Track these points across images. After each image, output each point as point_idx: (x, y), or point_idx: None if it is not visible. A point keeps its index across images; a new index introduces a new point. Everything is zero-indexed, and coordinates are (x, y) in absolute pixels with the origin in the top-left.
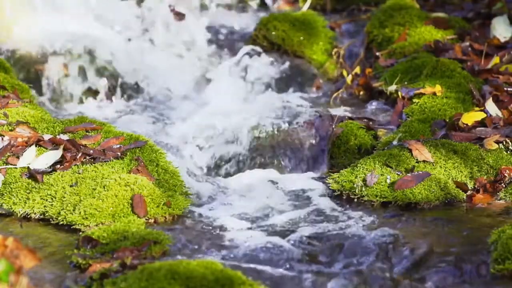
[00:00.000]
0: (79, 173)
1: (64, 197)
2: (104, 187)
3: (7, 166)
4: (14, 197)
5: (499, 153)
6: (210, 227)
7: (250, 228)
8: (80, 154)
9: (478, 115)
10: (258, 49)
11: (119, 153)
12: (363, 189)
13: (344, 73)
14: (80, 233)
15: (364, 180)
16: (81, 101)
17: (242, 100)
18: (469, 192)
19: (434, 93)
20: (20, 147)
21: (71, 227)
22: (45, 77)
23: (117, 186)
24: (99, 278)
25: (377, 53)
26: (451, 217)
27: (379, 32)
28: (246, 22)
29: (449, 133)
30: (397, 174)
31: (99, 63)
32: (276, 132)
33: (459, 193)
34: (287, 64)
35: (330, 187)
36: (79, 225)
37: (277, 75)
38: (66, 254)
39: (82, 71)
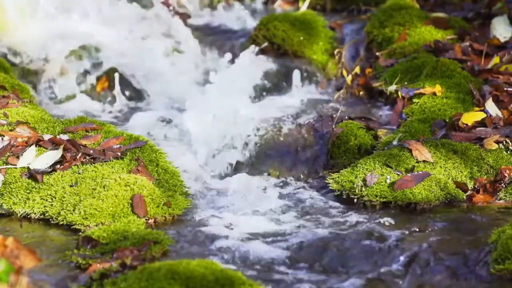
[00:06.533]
0: (79, 173)
1: (64, 197)
2: (104, 187)
3: (7, 166)
4: (14, 197)
5: (499, 153)
6: (211, 227)
7: (249, 229)
8: (80, 154)
9: (478, 115)
10: (258, 49)
11: (119, 153)
12: (363, 189)
13: (344, 73)
14: (80, 233)
15: (364, 180)
16: (81, 101)
17: (241, 100)
18: (469, 192)
19: (434, 93)
20: (20, 147)
21: (71, 227)
22: (46, 77)
23: (117, 186)
24: (99, 278)
25: (377, 53)
26: (451, 217)
27: (379, 32)
28: (246, 21)
29: (449, 133)
30: (397, 174)
31: (100, 63)
32: (276, 132)
33: (459, 193)
34: (287, 64)
35: (330, 187)
36: (79, 225)
37: (276, 75)
38: (66, 254)
39: (83, 72)
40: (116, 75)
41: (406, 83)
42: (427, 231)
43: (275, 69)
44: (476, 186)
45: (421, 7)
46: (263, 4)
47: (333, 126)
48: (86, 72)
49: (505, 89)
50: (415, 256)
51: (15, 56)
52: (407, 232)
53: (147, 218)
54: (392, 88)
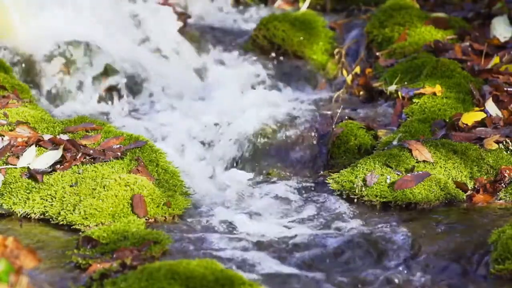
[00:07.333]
0: (79, 173)
1: (64, 197)
2: (104, 187)
3: (7, 166)
4: (14, 197)
5: (499, 153)
6: (210, 227)
7: (249, 229)
8: (80, 154)
9: (478, 115)
10: (258, 49)
11: (119, 153)
12: (363, 189)
13: (344, 73)
14: (80, 233)
15: (364, 180)
16: (81, 101)
17: (242, 100)
18: (469, 192)
19: (434, 93)
20: (20, 147)
21: (71, 227)
22: (46, 77)
23: (117, 186)
24: (99, 278)
25: (377, 53)
26: (451, 217)
27: (379, 32)
28: (245, 21)
29: (449, 133)
30: (397, 174)
31: (100, 63)
32: (275, 132)
33: (459, 193)
34: (287, 64)
35: (330, 187)
36: (79, 225)
37: (277, 75)
38: (66, 254)
39: (83, 72)
40: (117, 76)
41: (406, 83)
42: (427, 231)
43: (275, 69)
44: (476, 186)
45: (421, 7)
46: (263, 4)
47: (333, 126)
48: (86, 72)
49: (505, 89)
50: (416, 256)
51: (16, 56)
52: (407, 233)
53: (147, 218)
54: (392, 88)
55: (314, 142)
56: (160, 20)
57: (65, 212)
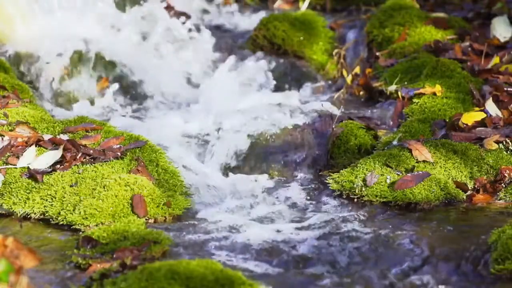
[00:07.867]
0: (79, 173)
1: (64, 197)
2: (104, 187)
3: (7, 166)
4: (14, 197)
5: (499, 153)
6: (210, 227)
7: (249, 230)
8: (80, 154)
9: (478, 115)
10: (258, 49)
11: (119, 153)
12: (363, 189)
13: (344, 73)
14: (80, 233)
15: (364, 180)
16: (81, 102)
17: (242, 100)
18: (469, 192)
19: (434, 93)
20: (20, 147)
21: (71, 227)
22: (46, 77)
23: (117, 186)
24: (99, 278)
25: (377, 53)
26: (451, 217)
27: (379, 32)
28: (245, 22)
29: (449, 133)
30: (397, 174)
31: (101, 65)
32: (276, 132)
33: (459, 193)
34: (287, 64)
35: (330, 187)
36: (79, 225)
37: (277, 75)
38: (66, 254)
39: (83, 72)
40: (117, 77)
41: (406, 83)
42: (427, 232)
43: (275, 69)
44: (476, 186)
45: (421, 7)
46: (263, 4)
47: (333, 126)
48: (86, 73)
49: (505, 89)
50: (417, 257)
51: (16, 56)
52: (408, 234)
53: (147, 218)
54: (392, 88)
55: (314, 142)
56: (161, 21)
57: (65, 212)
